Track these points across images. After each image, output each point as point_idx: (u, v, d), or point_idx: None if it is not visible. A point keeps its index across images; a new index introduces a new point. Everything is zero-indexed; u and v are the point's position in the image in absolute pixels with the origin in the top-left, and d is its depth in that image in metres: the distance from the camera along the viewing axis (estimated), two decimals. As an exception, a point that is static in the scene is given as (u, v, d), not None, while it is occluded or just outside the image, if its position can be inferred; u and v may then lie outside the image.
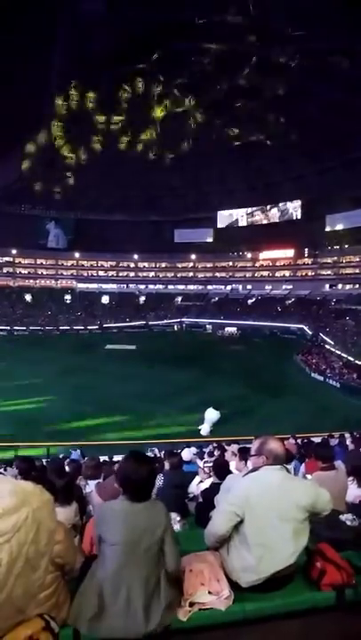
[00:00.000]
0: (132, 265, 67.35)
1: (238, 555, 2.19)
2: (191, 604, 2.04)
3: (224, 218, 60.15)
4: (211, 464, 5.61)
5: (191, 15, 32.22)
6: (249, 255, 62.36)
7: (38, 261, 64.30)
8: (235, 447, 7.62)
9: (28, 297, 59.68)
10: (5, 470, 7.90)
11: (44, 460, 8.60)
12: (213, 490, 3.64)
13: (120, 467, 2.22)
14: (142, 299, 63.80)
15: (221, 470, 3.98)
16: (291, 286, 57.51)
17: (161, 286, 66.39)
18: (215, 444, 10.71)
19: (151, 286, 66.33)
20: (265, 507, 2.14)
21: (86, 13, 31.07)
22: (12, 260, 62.70)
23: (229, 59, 37.03)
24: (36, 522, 0.62)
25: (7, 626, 0.61)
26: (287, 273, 59.22)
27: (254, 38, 32.97)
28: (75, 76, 36.65)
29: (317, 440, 9.94)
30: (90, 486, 4.58)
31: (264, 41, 33.24)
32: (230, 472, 4.03)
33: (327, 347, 35.76)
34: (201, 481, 4.89)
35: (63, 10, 30.06)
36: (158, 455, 9.41)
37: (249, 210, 58.64)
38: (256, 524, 2.13)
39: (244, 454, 3.90)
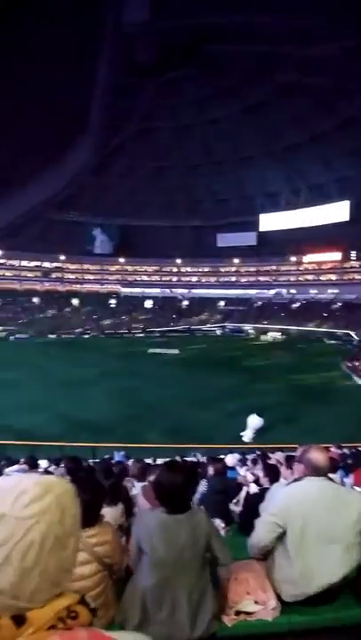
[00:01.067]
0: (175, 270, 67.87)
1: (281, 566, 2.16)
2: (237, 613, 2.03)
3: (267, 221, 59.31)
4: (252, 476, 5.56)
5: (233, 18, 32.18)
6: (293, 258, 61.12)
7: (85, 267, 66.33)
8: (280, 455, 7.48)
9: (75, 301, 61.66)
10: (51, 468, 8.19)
11: (90, 461, 8.82)
12: (258, 497, 3.60)
13: (155, 477, 2.21)
14: (185, 303, 64.13)
15: (273, 475, 3.93)
16: (337, 290, 55.76)
17: (203, 291, 66.41)
18: (258, 452, 10.54)
19: (194, 291, 66.51)
20: (306, 519, 2.08)
21: (129, 23, 31.78)
22: (60, 265, 65.01)
23: (271, 59, 36.68)
24: (60, 506, 0.71)
25: (44, 598, 0.68)
26: (333, 277, 57.51)
27: (295, 37, 32.41)
28: (119, 85, 37.55)
29: (366, 450, 9.54)
30: (136, 488, 4.66)
31: (305, 40, 32.59)
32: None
33: (376, 353, 34.28)
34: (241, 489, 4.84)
35: (106, 21, 30.89)
36: (201, 460, 9.39)
37: (293, 212, 57.47)
38: (297, 536, 2.09)
39: (290, 462, 3.83)
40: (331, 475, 2.41)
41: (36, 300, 60.64)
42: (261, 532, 2.23)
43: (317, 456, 2.21)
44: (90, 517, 2.07)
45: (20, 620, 0.65)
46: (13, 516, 0.67)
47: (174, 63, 38.15)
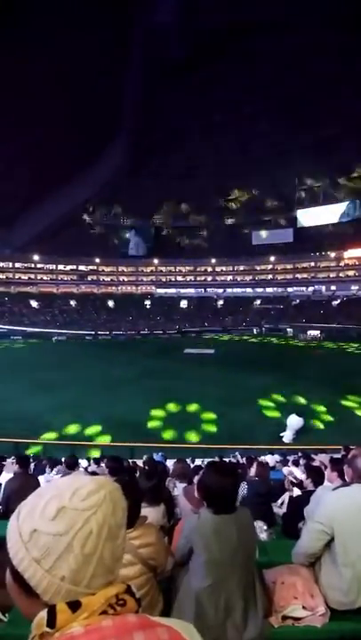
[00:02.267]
0: (210, 269, 67.67)
1: (329, 573, 2.11)
2: (284, 618, 1.99)
3: (305, 217, 58.00)
4: (294, 478, 5.44)
5: (262, 12, 31.81)
6: (332, 254, 59.40)
7: (120, 269, 67.30)
8: (324, 457, 7.29)
9: (110, 303, 62.75)
10: (88, 467, 8.35)
11: (130, 461, 8.93)
12: (302, 499, 3.52)
13: (201, 478, 2.20)
14: (220, 303, 63.81)
15: (317, 477, 3.83)
16: (380, 286, 53.85)
17: (239, 290, 65.84)
18: (300, 453, 10.33)
19: (229, 290, 66.07)
20: (353, 527, 2.02)
21: (158, 24, 32.08)
22: (95, 268, 66.36)
23: (305, 50, 35.94)
24: (112, 500, 0.78)
25: (100, 584, 0.75)
26: (375, 272, 55.56)
27: (330, 26, 31.61)
28: (152, 85, 37.92)
29: None
30: (178, 489, 4.66)
31: (341, 30, 31.70)
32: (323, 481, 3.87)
33: None
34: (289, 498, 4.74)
35: (137, 21, 31.30)
36: (241, 461, 9.30)
37: (331, 207, 55.86)
38: (345, 544, 2.03)
39: (335, 465, 3.71)
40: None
41: (72, 302, 62.18)
42: (309, 540, 2.17)
43: None
44: (131, 518, 2.07)
45: (75, 605, 0.71)
46: (73, 508, 0.74)
47: (206, 61, 38.15)
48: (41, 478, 5.99)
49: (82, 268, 65.89)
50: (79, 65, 30.61)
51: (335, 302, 55.87)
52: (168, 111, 44.29)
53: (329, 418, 17.43)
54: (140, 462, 8.99)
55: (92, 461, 9.91)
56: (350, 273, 58.14)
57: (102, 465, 8.19)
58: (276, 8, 30.76)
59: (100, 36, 29.71)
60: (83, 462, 9.85)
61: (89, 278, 66.57)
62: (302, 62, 37.53)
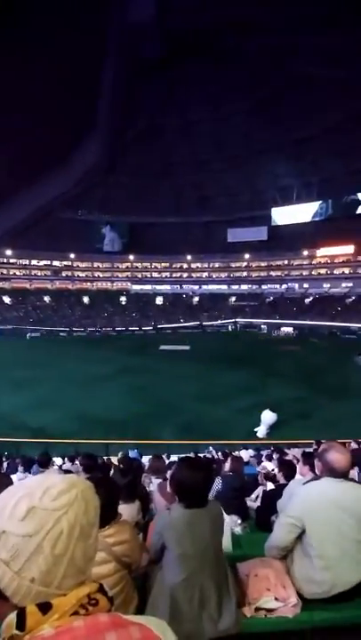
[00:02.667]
0: (186, 266, 67.76)
1: (301, 565, 2.15)
2: (257, 610, 2.02)
3: (279, 215, 58.78)
4: (267, 472, 5.53)
5: (241, 12, 31.88)
6: (305, 252, 60.49)
7: (95, 265, 66.57)
8: (296, 451, 7.44)
9: (85, 299, 62.02)
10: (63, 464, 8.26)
11: (104, 458, 8.88)
12: (275, 493, 3.58)
13: (174, 473, 2.20)
14: (196, 299, 64.05)
15: (289, 471, 3.90)
16: (351, 284, 55.09)
17: (214, 286, 66.23)
18: (273, 448, 10.51)
19: (205, 287, 66.36)
20: (324, 520, 2.07)
21: (137, 19, 31.69)
22: (70, 264, 65.43)
23: (283, 51, 36.24)
24: (84, 499, 0.77)
25: (71, 585, 0.73)
26: (347, 270, 56.81)
27: (308, 28, 31.97)
28: (127, 82, 37.46)
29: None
30: (154, 484, 4.67)
31: (318, 30, 32.12)
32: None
33: (391, 347, 33.81)
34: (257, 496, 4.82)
35: (112, 18, 30.84)
36: (215, 456, 9.39)
37: (305, 206, 56.83)
38: (316, 536, 2.08)
39: (307, 459, 3.79)
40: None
41: (47, 298, 61.14)
42: (281, 534, 2.22)
43: (337, 457, 2.16)
44: (106, 516, 2.05)
45: (45, 607, 0.69)
46: (43, 507, 0.72)
47: (183, 59, 37.96)
48: (14, 477, 5.89)
49: (56, 263, 64.83)
50: (54, 59, 29.88)
51: (308, 300, 56.95)
52: (145, 108, 43.91)
53: (302, 413, 17.79)
54: (115, 459, 8.96)
55: (66, 459, 9.81)
56: (322, 271, 59.34)
57: (77, 462, 8.12)
58: (254, 8, 30.81)
59: (76, 31, 29.09)
60: (57, 460, 9.74)
61: (63, 274, 65.57)
62: (280, 63, 37.84)
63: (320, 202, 54.84)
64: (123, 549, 2.06)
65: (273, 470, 5.65)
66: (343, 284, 55.93)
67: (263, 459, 8.37)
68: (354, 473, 5.11)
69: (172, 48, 36.36)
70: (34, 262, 63.34)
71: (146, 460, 8.61)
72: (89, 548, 0.77)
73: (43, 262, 63.93)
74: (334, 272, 57.93)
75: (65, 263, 65.18)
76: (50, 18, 27.65)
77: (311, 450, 6.90)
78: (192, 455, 8.72)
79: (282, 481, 3.89)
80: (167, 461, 8.09)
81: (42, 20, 27.10)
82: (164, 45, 35.98)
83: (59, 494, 0.75)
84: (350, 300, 52.71)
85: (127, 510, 3.26)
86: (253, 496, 4.68)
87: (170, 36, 35.14)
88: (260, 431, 15.16)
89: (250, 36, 34.93)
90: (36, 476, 0.81)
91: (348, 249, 55.63)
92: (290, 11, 30.62)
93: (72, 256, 64.20)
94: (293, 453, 7.17)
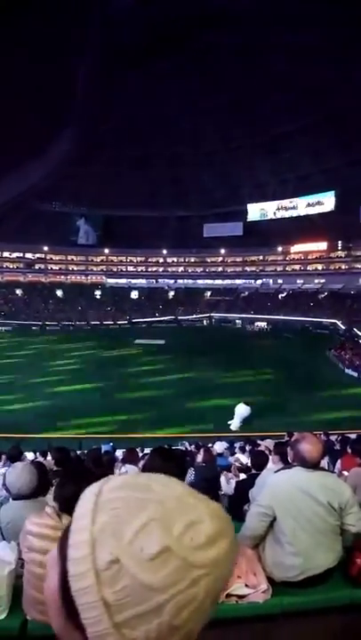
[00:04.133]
0: (161, 260, 67.56)
1: (272, 551, 2.20)
2: (228, 596, 2.04)
3: (254, 211, 59.27)
4: (240, 464, 5.60)
5: (221, 5, 31.83)
6: (280, 249, 61.29)
7: (69, 257, 65.53)
8: (269, 442, 7.56)
9: (59, 292, 61.01)
10: (36, 458, 8.14)
11: (77, 452, 8.79)
12: (247, 483, 3.62)
13: (145, 464, 2.18)
14: (171, 294, 64.00)
15: (260, 461, 3.94)
16: (323, 280, 56.22)
17: (190, 281, 66.31)
18: (245, 440, 10.65)
19: (180, 281, 66.36)
20: (293, 507, 2.13)
21: (115, 9, 31.16)
22: (43, 256, 64.20)
23: (261, 49, 36.41)
24: (229, 558, 0.52)
25: None
26: (320, 266, 57.94)
27: (287, 27, 32.22)
28: (104, 74, 36.86)
29: (353, 436, 9.71)
30: (125, 468, 4.65)
31: (296, 29, 32.43)
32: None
33: (361, 342, 34.83)
34: (229, 479, 4.87)
35: (91, 7, 30.23)
36: (189, 449, 9.44)
37: (280, 202, 57.55)
38: (286, 523, 2.14)
39: (278, 449, 3.85)
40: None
41: (18, 291, 59.82)
42: (253, 523, 2.25)
43: (308, 447, 2.21)
44: None
45: None
46: (181, 555, 0.48)
47: (162, 52, 37.56)
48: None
49: (29, 255, 63.45)
50: (29, 48, 29.10)
51: (281, 295, 57.78)
52: (121, 100, 43.32)
53: (274, 406, 18.10)
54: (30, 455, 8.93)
55: (38, 454, 9.66)
56: (296, 267, 60.29)
57: (49, 457, 8.01)
58: (233, 3, 30.81)
59: (53, 22, 28.39)
60: (29, 455, 9.58)
61: (36, 267, 64.28)
62: (257, 61, 37.98)
63: (294, 199, 55.66)
64: None
65: (246, 463, 5.72)
66: (316, 280, 57.01)
67: (236, 450, 8.47)
68: (324, 462, 5.23)
69: (150, 40, 35.94)
70: (6, 254, 61.82)
71: (120, 453, 8.58)
72: (201, 624, 0.52)
73: (15, 254, 62.48)
74: (308, 268, 58.98)
75: (38, 255, 63.90)
76: (26, 8, 26.90)
77: (283, 441, 7.03)
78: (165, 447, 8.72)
79: (254, 471, 3.94)
80: (141, 454, 8.08)
81: (18, 11, 26.33)
82: (143, 37, 35.53)
83: (207, 542, 0.50)
84: (323, 295, 53.79)
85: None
86: (225, 486, 4.72)
87: (148, 28, 34.72)
88: (234, 424, 15.34)
89: (228, 33, 34.94)
90: (170, 484, 0.55)
91: (322, 245, 56.72)
92: (268, 9, 30.78)
93: (45, 248, 62.98)
94: (266, 444, 7.29)
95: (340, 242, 55.07)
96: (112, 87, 40.44)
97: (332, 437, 10.35)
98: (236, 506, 3.74)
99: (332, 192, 51.96)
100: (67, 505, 1.97)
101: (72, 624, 0.50)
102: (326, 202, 53.23)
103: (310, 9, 29.91)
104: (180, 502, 0.53)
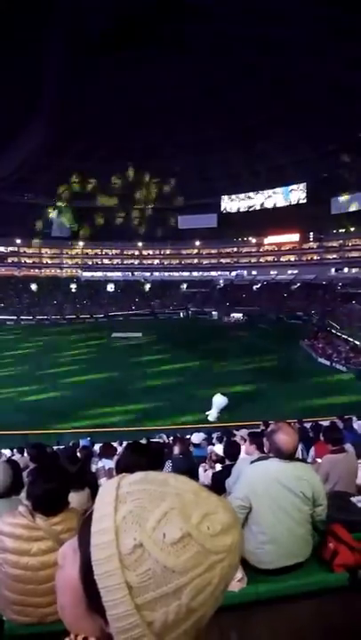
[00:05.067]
0: (137, 253, 67.11)
1: (248, 539, 2.22)
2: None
3: (228, 203, 59.50)
4: (216, 455, 5.66)
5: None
6: (253, 240, 61.81)
7: (43, 251, 64.24)
8: (244, 432, 7.66)
9: (33, 286, 59.75)
10: (13, 456, 8.02)
11: (54, 447, 8.70)
12: (223, 473, 3.66)
13: (120, 459, 2.17)
14: (147, 286, 63.71)
15: (233, 451, 3.99)
16: (296, 271, 57.07)
17: (166, 273, 66.17)
18: (222, 431, 10.76)
19: (156, 274, 66.14)
20: (268, 498, 2.17)
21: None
22: (16, 249, 62.74)
23: (232, 39, 36.26)
24: (239, 548, 0.56)
25: None
26: (292, 258, 58.78)
27: (255, 18, 32.20)
28: (74, 63, 36.04)
29: (325, 424, 9.95)
30: (102, 462, 4.63)
31: (265, 20, 32.45)
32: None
33: (334, 331, 35.63)
34: (206, 470, 4.92)
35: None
36: (166, 441, 9.48)
37: (253, 194, 57.93)
38: (261, 513, 2.19)
39: (254, 438, 3.91)
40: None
41: (-9, 285, 58.39)
42: None
43: (284, 438, 2.23)
44: (57, 505, 2.00)
45: None
46: (200, 542, 0.53)
47: (132, 40, 36.91)
48: None
49: (1, 249, 61.90)
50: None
51: (256, 286, 58.38)
52: (94, 90, 42.48)
53: (250, 395, 18.36)
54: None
55: (15, 450, 9.51)
56: (270, 258, 61.00)
57: (26, 454, 7.90)
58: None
59: (20, 9, 27.51)
60: (5, 452, 9.44)
61: (9, 260, 62.75)
62: (228, 51, 37.82)
63: (267, 191, 56.16)
64: (71, 537, 2.01)
65: (222, 454, 5.79)
66: (289, 271, 57.82)
67: (214, 441, 8.57)
68: (298, 450, 5.35)
69: (119, 29, 35.28)
70: (-23, 248, 60.15)
71: (98, 447, 8.55)
72: (209, 613, 0.56)
73: (-14, 248, 60.88)
74: (281, 259, 59.71)
75: (11, 249, 62.39)
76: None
77: (258, 430, 7.14)
78: (144, 441, 8.76)
79: (228, 461, 3.99)
80: (119, 449, 8.07)
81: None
82: (112, 24, 34.82)
83: (222, 530, 0.55)
84: (296, 286, 54.63)
85: (76, 498, 3.21)
86: (202, 477, 4.77)
87: (118, 15, 34.05)
88: (212, 415, 15.48)
89: (199, 22, 34.65)
90: (182, 479, 0.61)
91: (294, 237, 57.51)
92: (240, 1, 30.71)
93: (18, 241, 61.53)
94: (241, 434, 7.40)
95: (311, 233, 55.90)
96: (83, 76, 39.59)
97: (306, 425, 10.56)
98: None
99: (304, 184, 52.65)
100: (38, 503, 1.94)
101: (92, 609, 0.54)
102: (298, 194, 53.93)
103: (281, 3, 30.03)
104: (196, 495, 0.57)
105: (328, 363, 26.86)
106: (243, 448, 4.24)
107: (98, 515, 0.57)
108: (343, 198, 49.02)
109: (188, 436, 9.02)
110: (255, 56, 37.26)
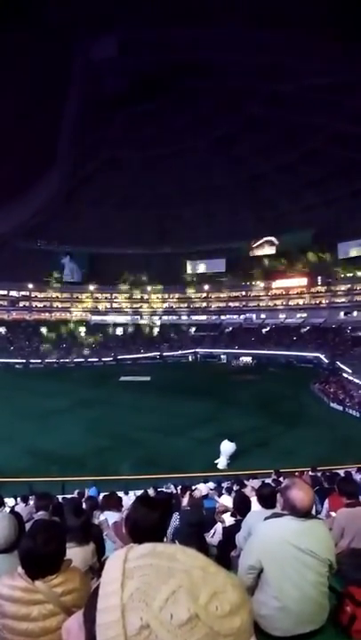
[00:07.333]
0: (146, 297, 67.99)
1: (259, 602, 2.09)
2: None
3: (236, 248, 60.81)
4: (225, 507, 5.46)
5: (200, 55, 33.89)
6: (262, 284, 62.47)
7: (54, 295, 65.41)
8: (255, 482, 7.40)
9: (43, 330, 60.41)
10: (17, 505, 7.77)
11: (59, 497, 8.45)
12: (235, 527, 3.52)
13: (129, 513, 2.09)
14: (156, 330, 64.01)
15: (243, 506, 3.85)
16: (305, 314, 57.14)
17: (174, 317, 66.62)
18: (232, 480, 10.41)
19: (165, 317, 66.61)
20: (282, 560, 2.03)
21: (99, 59, 32.81)
22: (28, 294, 63.99)
23: (240, 93, 38.55)
24: (249, 628, 0.55)
25: None
26: (301, 301, 59.02)
27: (264, 74, 34.38)
28: (89, 116, 38.31)
29: (341, 473, 9.60)
30: (103, 515, 4.47)
31: (271, 77, 34.61)
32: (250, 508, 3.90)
33: (345, 375, 35.07)
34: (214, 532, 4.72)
35: (76, 56, 31.80)
36: (174, 491, 9.16)
37: (261, 240, 59.31)
38: (273, 576, 2.03)
39: (257, 491, 3.77)
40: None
41: (2, 329, 59.07)
42: (241, 576, 2.16)
43: (299, 495, 2.11)
44: (54, 566, 1.85)
45: None
46: (208, 624, 0.50)
47: (145, 96, 39.42)
48: None
49: (13, 293, 63.20)
50: (15, 90, 30.23)
51: (265, 329, 58.34)
52: (106, 141, 44.94)
53: (261, 441, 17.86)
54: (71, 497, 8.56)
55: (19, 499, 9.22)
56: (278, 302, 61.32)
57: (30, 503, 7.65)
58: (211, 52, 32.89)
59: (40, 67, 29.71)
60: (9, 501, 9.15)
61: (21, 304, 63.91)
62: (236, 104, 40.21)
63: (274, 236, 57.55)
64: (72, 599, 1.88)
65: (232, 507, 5.59)
66: (298, 315, 57.90)
67: (224, 491, 8.26)
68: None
69: (133, 85, 37.78)
70: (-10, 292, 61.52)
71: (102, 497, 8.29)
72: None
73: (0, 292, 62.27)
74: (289, 303, 59.99)
75: (22, 293, 63.66)
76: (15, 55, 28.17)
77: (270, 480, 6.91)
78: (151, 490, 8.49)
79: (239, 517, 3.85)
80: (125, 497, 7.81)
81: (7, 58, 27.57)
82: (127, 83, 37.31)
83: (231, 611, 0.52)
84: (305, 329, 54.48)
85: (81, 554, 3.06)
86: (211, 532, 4.57)
87: (131, 75, 36.55)
88: (221, 462, 15.04)
89: (208, 77, 37.03)
90: (189, 551, 0.59)
91: (302, 281, 58.03)
92: (245, 57, 32.87)
93: (30, 286, 62.90)
94: (252, 485, 7.14)
95: (319, 277, 56.45)
96: (97, 129, 41.93)
97: (318, 473, 10.20)
98: (225, 551, 3.63)
99: (311, 230, 53.89)
100: (24, 563, 1.79)
101: None
102: (305, 239, 55.10)
103: (287, 61, 32.12)
104: (204, 571, 0.55)
105: (341, 408, 26.23)
106: (253, 499, 4.09)
107: (104, 591, 0.54)
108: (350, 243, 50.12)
109: (194, 486, 8.73)
110: (264, 108, 39.45)
